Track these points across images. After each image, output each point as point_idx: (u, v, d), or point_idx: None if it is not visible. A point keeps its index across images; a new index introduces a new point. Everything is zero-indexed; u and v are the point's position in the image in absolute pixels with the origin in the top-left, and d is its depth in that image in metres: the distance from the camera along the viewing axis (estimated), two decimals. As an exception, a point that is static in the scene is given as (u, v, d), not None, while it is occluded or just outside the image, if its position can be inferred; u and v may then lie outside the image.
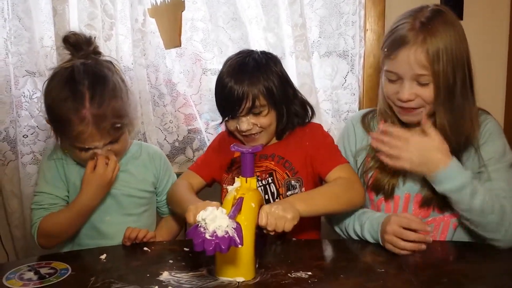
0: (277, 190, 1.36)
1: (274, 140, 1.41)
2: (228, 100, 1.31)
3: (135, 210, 1.42)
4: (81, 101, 1.22)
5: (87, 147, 1.26)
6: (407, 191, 1.33)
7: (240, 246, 0.92)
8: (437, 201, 1.28)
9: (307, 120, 1.43)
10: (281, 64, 1.39)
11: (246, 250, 1.02)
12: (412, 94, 1.24)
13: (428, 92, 1.23)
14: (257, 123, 1.32)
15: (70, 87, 1.24)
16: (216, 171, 1.44)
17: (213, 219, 0.92)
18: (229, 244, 0.90)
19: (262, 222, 1.09)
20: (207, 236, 0.90)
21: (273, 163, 1.38)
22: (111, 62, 1.34)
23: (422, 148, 1.20)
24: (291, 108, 1.38)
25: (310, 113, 1.43)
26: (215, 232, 0.90)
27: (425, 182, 1.27)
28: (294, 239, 1.28)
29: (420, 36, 1.20)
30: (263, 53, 1.38)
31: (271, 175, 1.37)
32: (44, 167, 1.40)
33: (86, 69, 1.26)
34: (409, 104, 1.26)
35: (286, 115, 1.36)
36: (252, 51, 1.39)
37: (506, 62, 1.90)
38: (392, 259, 1.15)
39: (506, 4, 1.87)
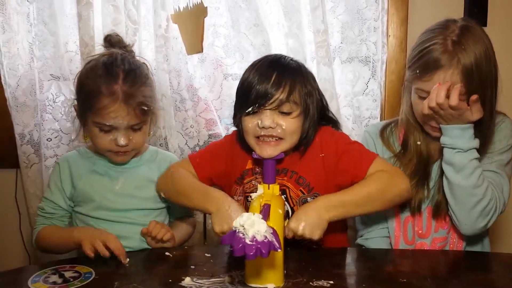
0: (292, 208, 1.28)
1: (289, 152, 1.29)
2: (258, 88, 1.18)
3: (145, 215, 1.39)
4: (115, 78, 1.27)
5: (108, 124, 1.27)
6: (429, 204, 1.34)
7: (279, 250, 0.93)
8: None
9: None
10: (315, 81, 1.31)
11: (278, 256, 1.02)
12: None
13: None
14: (282, 124, 1.19)
15: (107, 66, 1.30)
16: (218, 175, 1.34)
17: (252, 224, 0.92)
18: (269, 248, 0.91)
19: (289, 237, 1.11)
20: (247, 241, 0.90)
21: (285, 178, 1.28)
22: (145, 63, 1.40)
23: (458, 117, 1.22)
24: (315, 123, 1.27)
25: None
26: (255, 237, 0.91)
27: (438, 190, 1.31)
28: (314, 247, 1.27)
29: (455, 59, 1.20)
30: (301, 63, 1.31)
31: (284, 192, 1.27)
32: (51, 174, 1.44)
33: (124, 57, 1.33)
34: None
35: (311, 132, 1.26)
36: (288, 56, 1.30)
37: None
38: (415, 269, 1.14)
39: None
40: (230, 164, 1.34)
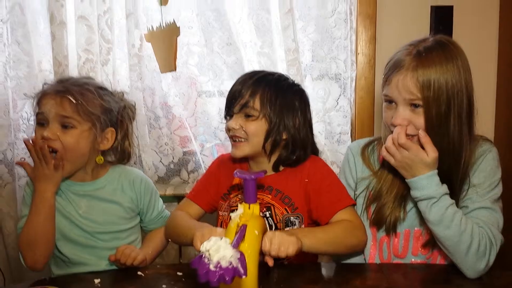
0: (275, 224, 1.30)
1: (271, 172, 1.34)
2: (228, 96, 1.32)
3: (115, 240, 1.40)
4: (64, 82, 1.37)
5: (41, 111, 1.32)
6: (407, 227, 1.32)
7: (244, 276, 0.91)
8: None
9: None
10: (305, 105, 1.37)
11: (250, 280, 1.00)
12: (404, 119, 1.24)
13: (420, 119, 1.23)
14: (244, 126, 1.28)
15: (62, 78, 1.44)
16: (215, 197, 1.40)
17: (217, 250, 0.90)
18: (233, 275, 0.89)
19: (266, 247, 1.09)
20: (211, 267, 0.89)
21: (270, 196, 1.32)
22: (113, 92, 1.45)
23: (414, 159, 1.21)
24: (293, 141, 1.31)
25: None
26: (219, 263, 0.89)
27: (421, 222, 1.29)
28: (286, 262, 1.29)
29: (413, 63, 1.21)
30: (300, 89, 1.38)
31: (269, 209, 1.31)
32: (24, 193, 1.41)
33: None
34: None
35: (283, 144, 1.31)
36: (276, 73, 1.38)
37: (495, 83, 1.94)
38: (380, 283, 1.16)
39: (495, 27, 1.92)
40: (218, 184, 1.40)
